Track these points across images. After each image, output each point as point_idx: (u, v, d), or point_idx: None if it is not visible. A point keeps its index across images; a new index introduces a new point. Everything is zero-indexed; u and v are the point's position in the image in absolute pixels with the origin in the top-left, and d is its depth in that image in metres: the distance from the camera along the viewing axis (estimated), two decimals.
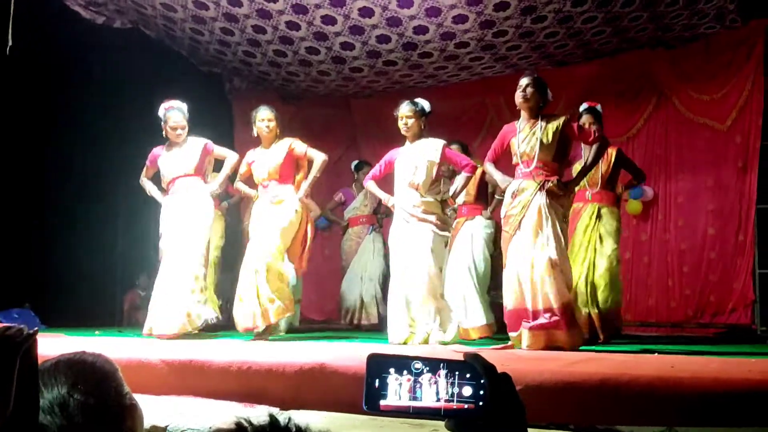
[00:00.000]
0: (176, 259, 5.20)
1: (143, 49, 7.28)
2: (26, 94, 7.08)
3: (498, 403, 0.89)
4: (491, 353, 3.71)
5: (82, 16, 6.59)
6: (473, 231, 5.80)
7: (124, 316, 8.39)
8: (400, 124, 4.88)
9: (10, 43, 5.26)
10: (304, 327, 6.97)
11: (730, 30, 6.64)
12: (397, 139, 8.36)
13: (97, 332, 5.81)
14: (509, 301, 4.32)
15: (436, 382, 0.90)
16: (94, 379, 1.34)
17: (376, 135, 8.66)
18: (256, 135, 5.33)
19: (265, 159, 5.25)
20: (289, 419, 0.84)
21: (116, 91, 7.40)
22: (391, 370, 0.90)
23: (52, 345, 3.88)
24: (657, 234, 7.22)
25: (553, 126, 4.35)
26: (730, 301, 6.63)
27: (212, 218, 5.43)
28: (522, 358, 3.47)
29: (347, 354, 3.39)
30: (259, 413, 2.75)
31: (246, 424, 0.83)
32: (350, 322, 7.04)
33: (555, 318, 4.10)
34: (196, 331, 5.19)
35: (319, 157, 5.24)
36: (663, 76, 7.15)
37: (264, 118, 5.25)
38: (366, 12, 6.37)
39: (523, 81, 4.42)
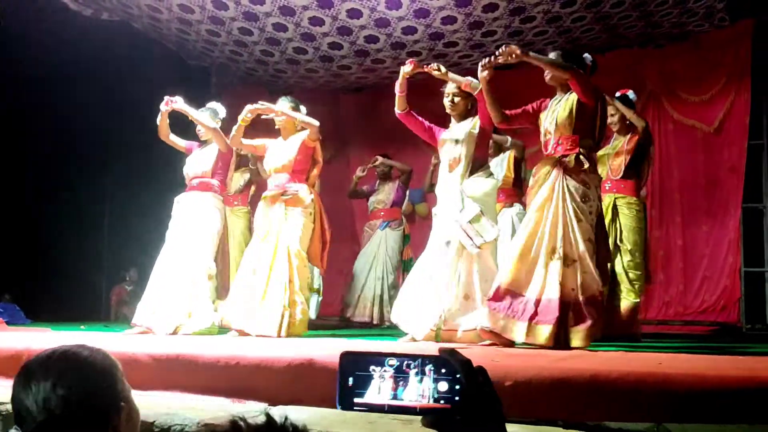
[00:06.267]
0: (186, 256, 5.05)
1: (130, 41, 7.21)
2: (10, 85, 7.00)
3: (473, 398, 0.87)
4: (482, 350, 3.71)
5: (69, 7, 6.53)
6: (513, 218, 5.42)
7: (111, 310, 8.33)
8: (446, 101, 4.47)
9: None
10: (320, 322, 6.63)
11: (718, 29, 6.70)
12: (386, 136, 8.37)
13: (82, 327, 5.76)
14: None
15: (412, 378, 0.88)
16: (83, 375, 1.30)
17: (364, 131, 8.64)
18: (276, 128, 5.13)
19: (281, 150, 5.05)
20: (286, 418, 0.82)
21: (104, 82, 7.33)
22: (366, 368, 0.88)
23: (37, 339, 3.86)
24: (652, 231, 7.21)
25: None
26: (722, 298, 6.69)
27: (222, 219, 5.29)
28: (511, 354, 3.46)
29: (337, 349, 3.37)
30: (247, 409, 2.74)
31: (241, 423, 0.81)
32: (342, 315, 6.77)
33: None
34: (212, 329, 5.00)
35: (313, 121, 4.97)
36: (652, 76, 7.16)
37: None
38: (354, 13, 6.37)
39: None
